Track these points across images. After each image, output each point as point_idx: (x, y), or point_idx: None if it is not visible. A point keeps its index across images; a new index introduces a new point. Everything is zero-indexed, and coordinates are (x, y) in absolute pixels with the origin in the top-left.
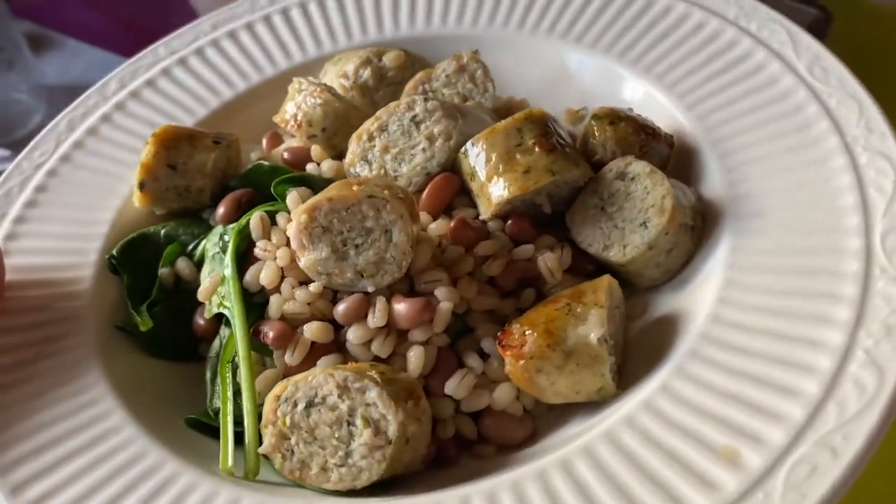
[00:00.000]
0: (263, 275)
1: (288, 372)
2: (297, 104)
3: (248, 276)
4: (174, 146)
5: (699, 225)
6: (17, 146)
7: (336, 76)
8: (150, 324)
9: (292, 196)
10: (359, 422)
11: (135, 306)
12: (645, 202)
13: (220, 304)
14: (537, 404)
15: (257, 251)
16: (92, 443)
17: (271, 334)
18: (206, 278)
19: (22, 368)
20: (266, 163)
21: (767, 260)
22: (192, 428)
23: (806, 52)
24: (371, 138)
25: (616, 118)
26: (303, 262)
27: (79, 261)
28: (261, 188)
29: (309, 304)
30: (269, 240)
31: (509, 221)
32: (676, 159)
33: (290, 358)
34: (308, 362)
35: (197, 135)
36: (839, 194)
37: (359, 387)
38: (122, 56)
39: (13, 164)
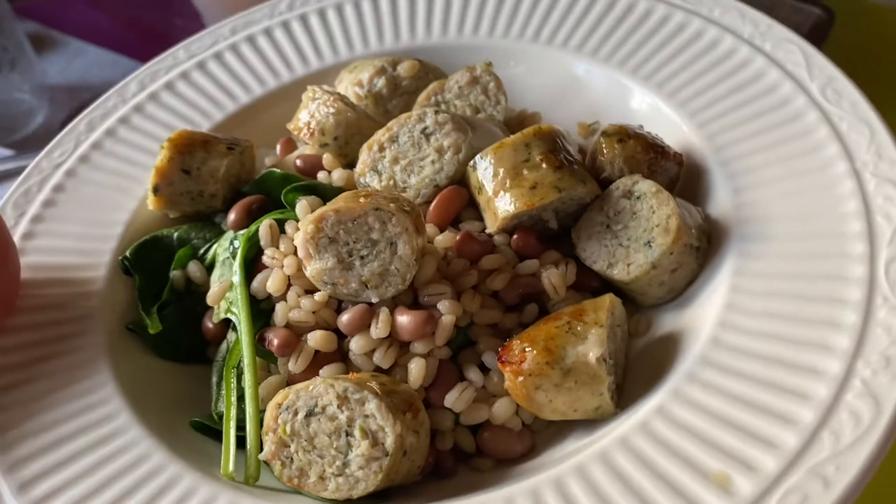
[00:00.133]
0: (270, 282)
1: (291, 379)
2: (311, 112)
3: (256, 283)
4: (189, 151)
5: (704, 245)
6: (19, 146)
7: (351, 84)
8: (160, 327)
9: (301, 205)
10: (357, 433)
11: (145, 308)
12: (650, 221)
13: (228, 310)
14: (536, 419)
15: (265, 259)
16: (98, 443)
17: (276, 341)
18: (215, 283)
19: (34, 366)
20: (278, 170)
21: (770, 284)
22: (197, 430)
23: (819, 74)
24: (381, 149)
25: (625, 136)
26: (309, 271)
27: (93, 261)
28: (273, 195)
29: (314, 312)
30: (278, 248)
31: (515, 236)
32: (685, 177)
33: (294, 365)
34: (311, 370)
35: (211, 140)
36: (845, 220)
37: (358, 398)
38: (125, 56)
39: (33, 164)
